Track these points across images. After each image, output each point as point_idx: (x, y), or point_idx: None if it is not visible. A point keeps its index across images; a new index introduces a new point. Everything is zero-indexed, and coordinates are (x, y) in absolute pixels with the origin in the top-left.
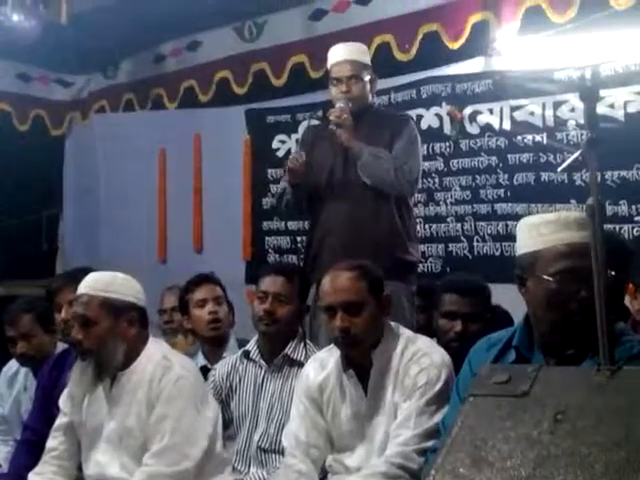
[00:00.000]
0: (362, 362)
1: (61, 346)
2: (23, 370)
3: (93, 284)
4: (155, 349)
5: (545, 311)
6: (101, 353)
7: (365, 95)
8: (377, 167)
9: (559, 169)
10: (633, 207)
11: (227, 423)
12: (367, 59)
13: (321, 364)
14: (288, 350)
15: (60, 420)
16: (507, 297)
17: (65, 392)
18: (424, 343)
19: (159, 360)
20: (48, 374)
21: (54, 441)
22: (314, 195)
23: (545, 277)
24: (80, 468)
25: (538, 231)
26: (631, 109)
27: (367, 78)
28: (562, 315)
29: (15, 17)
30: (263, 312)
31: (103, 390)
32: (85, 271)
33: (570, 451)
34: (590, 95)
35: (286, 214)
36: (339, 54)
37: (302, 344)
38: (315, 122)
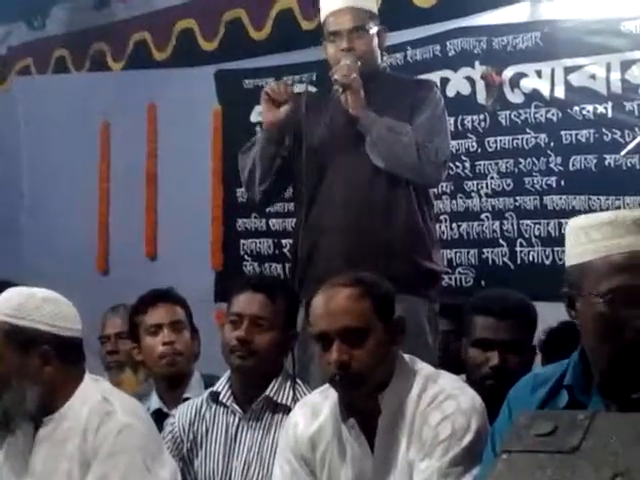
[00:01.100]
0: (367, 408)
1: None
2: None
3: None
4: (92, 389)
5: (598, 341)
6: (5, 398)
7: (373, 53)
8: (394, 144)
9: (623, 152)
10: None
11: None
12: (373, 5)
13: (313, 410)
14: (270, 391)
15: None
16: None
17: None
18: (448, 382)
19: (96, 403)
20: None
21: None
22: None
23: (594, 296)
24: None
25: (588, 237)
26: None
27: (374, 30)
28: (618, 346)
29: None
30: (236, 341)
31: (23, 441)
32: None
33: None
34: None
35: (246, 183)
36: (336, 1)
37: (288, 383)
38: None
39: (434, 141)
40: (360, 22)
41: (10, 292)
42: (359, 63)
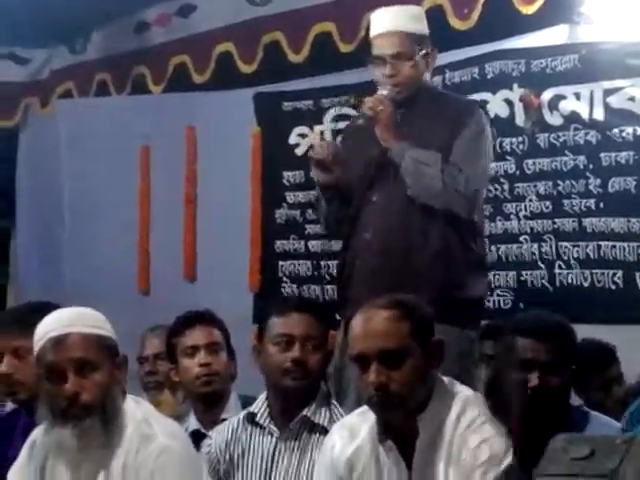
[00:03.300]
0: (405, 430)
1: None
2: None
3: (81, 319)
4: (134, 409)
5: None
6: (107, 407)
7: (417, 76)
8: (420, 176)
9: None
10: None
11: None
12: (421, 26)
13: (350, 432)
14: (308, 411)
15: None
16: None
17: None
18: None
19: (138, 424)
20: None
21: None
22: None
23: None
24: None
25: None
26: None
27: (421, 53)
28: None
29: None
30: (291, 362)
31: (69, 465)
32: (40, 308)
33: None
34: None
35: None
36: (382, 23)
37: (325, 404)
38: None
39: (464, 171)
40: (404, 48)
41: (73, 309)
42: (397, 90)
